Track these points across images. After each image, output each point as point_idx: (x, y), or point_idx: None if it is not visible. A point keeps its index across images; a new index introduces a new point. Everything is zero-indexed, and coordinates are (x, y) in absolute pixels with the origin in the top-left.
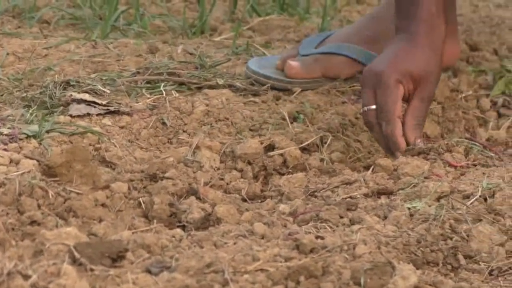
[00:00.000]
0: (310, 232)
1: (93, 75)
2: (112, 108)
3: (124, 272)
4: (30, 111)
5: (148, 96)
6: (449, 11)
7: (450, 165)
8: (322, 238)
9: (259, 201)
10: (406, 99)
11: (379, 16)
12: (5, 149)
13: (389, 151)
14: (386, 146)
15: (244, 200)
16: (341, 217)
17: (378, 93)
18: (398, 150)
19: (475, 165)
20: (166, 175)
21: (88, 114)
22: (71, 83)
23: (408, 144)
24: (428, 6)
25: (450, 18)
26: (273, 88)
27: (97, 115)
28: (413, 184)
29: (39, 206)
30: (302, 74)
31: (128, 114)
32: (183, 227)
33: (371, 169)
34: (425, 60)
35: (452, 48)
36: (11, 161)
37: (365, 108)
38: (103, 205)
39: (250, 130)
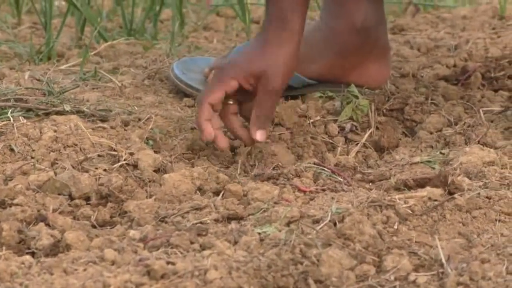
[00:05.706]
0: (161, 258)
1: None
2: None
3: None
4: None
5: None
6: (381, 33)
7: (300, 190)
8: (173, 263)
9: (109, 227)
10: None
11: (306, 37)
12: None
13: None
14: None
15: (94, 227)
16: (192, 243)
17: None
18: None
19: (324, 190)
20: (15, 201)
21: None
22: None
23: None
24: (280, 3)
25: (382, 41)
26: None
27: None
28: (263, 209)
29: None
30: None
31: None
32: (33, 254)
33: (221, 194)
34: (267, 55)
35: (382, 70)
36: None
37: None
38: None
39: (99, 156)
